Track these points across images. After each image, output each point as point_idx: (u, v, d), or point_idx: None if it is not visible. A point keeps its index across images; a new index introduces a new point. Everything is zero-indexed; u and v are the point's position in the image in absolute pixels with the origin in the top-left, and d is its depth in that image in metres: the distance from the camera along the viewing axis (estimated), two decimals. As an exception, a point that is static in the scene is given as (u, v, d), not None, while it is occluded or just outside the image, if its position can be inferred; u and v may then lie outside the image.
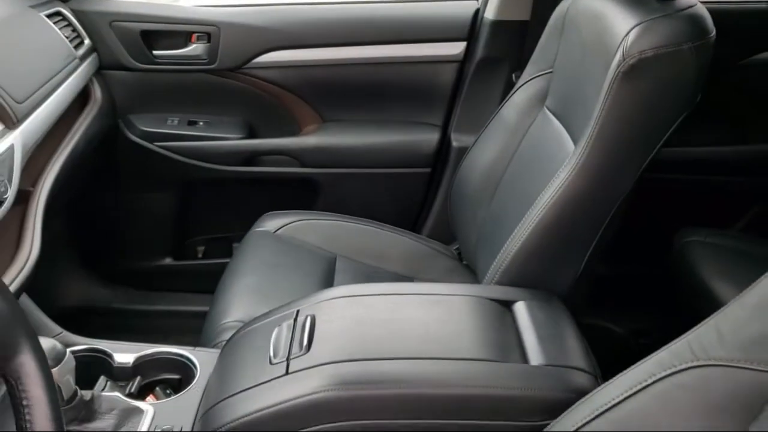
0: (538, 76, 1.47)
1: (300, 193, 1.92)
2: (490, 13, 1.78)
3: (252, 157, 1.88)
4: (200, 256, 2.05)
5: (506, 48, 1.78)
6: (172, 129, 1.86)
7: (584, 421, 0.82)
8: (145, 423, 1.01)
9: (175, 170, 1.86)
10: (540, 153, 1.40)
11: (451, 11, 1.86)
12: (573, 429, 0.83)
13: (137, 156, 1.84)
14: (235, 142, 1.87)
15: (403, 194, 1.92)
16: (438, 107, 1.88)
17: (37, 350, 0.71)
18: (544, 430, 0.86)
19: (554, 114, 1.39)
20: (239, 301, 1.35)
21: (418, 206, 1.93)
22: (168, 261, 2.01)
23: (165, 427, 1.00)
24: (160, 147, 1.84)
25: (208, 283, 1.59)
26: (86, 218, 1.92)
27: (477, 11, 1.82)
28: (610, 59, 1.09)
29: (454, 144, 1.85)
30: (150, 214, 1.94)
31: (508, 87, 1.69)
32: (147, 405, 1.04)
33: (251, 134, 1.91)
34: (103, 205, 1.93)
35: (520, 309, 1.08)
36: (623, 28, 1.09)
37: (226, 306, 1.36)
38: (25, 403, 0.69)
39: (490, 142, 1.55)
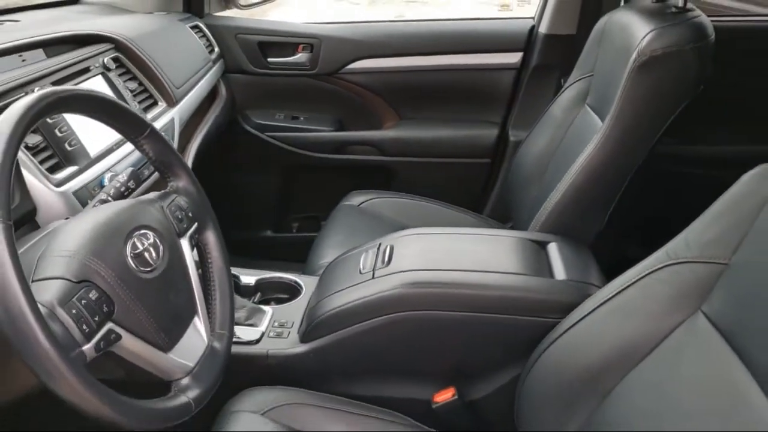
0: (581, 79, 1.73)
1: (379, 177, 2.22)
2: (543, 28, 2.06)
3: (341, 146, 2.22)
4: (294, 231, 2.40)
5: (556, 57, 2.05)
6: (279, 122, 2.22)
7: (589, 311, 1.09)
8: (266, 318, 1.33)
9: (280, 156, 2.22)
10: (580, 141, 1.66)
11: (510, 26, 2.16)
12: (580, 317, 1.10)
13: (250, 144, 2.21)
14: (328, 134, 2.22)
15: (466, 180, 2.20)
16: (497, 107, 2.15)
17: (217, 230, 1.05)
18: (561, 321, 1.14)
19: (593, 109, 1.64)
20: (332, 247, 1.67)
21: (479, 191, 2.20)
22: (269, 233, 2.36)
23: (281, 320, 1.33)
24: (269, 137, 2.21)
25: (300, 253, 1.86)
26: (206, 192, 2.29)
27: (532, 27, 2.11)
28: (629, 58, 1.36)
29: (512, 138, 2.11)
30: (257, 192, 2.30)
31: (558, 90, 1.93)
32: (267, 307, 1.37)
33: (341, 128, 2.24)
34: (220, 182, 2.23)
35: (552, 247, 1.36)
36: (641, 33, 1.36)
37: (322, 250, 1.69)
38: (209, 260, 1.03)
39: (541, 134, 1.82)
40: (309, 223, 2.36)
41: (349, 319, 1.22)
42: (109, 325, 0.76)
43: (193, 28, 1.99)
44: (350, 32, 2.17)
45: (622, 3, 1.90)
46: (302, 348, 1.25)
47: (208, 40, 2.06)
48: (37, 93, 0.78)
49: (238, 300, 1.36)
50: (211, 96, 2.05)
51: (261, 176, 2.27)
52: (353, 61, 2.14)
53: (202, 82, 1.85)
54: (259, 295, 1.46)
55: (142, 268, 0.84)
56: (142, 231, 0.87)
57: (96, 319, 0.74)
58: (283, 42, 2.16)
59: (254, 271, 1.50)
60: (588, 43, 1.73)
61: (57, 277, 0.75)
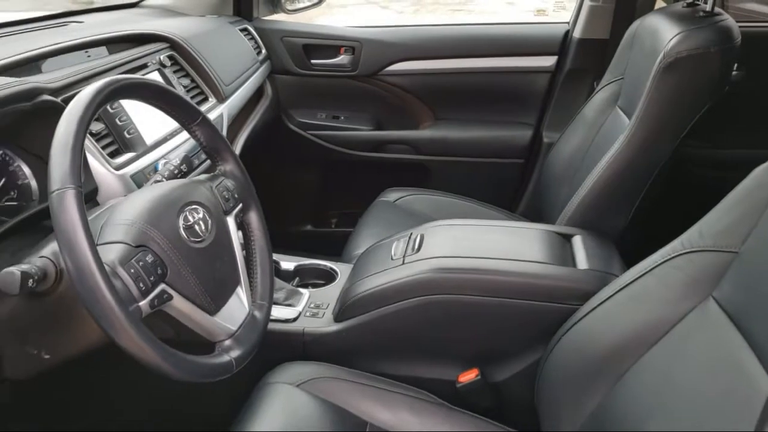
0: (613, 81, 1.77)
1: (415, 175, 2.29)
2: (577, 33, 2.11)
3: (379, 145, 2.30)
4: (333, 226, 2.49)
5: (590, 61, 2.10)
6: (321, 121, 2.32)
7: (607, 297, 1.14)
8: (303, 300, 1.42)
9: (321, 153, 2.31)
10: (610, 141, 1.70)
11: (546, 31, 2.22)
12: (599, 302, 1.15)
13: (293, 141, 2.31)
14: (366, 132, 2.30)
15: (500, 180, 2.25)
16: (531, 109, 2.21)
17: (260, 212, 1.14)
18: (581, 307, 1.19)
19: (623, 110, 1.68)
20: (367, 238, 1.75)
21: (512, 190, 2.26)
22: (308, 227, 2.46)
23: (317, 302, 1.42)
24: (311, 135, 2.30)
25: (338, 247, 1.91)
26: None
27: (567, 31, 2.16)
28: (657, 59, 1.41)
29: (545, 140, 2.16)
30: (298, 188, 2.39)
31: (591, 92, 1.96)
32: (305, 290, 1.46)
33: (379, 127, 2.32)
34: (263, 178, 2.37)
35: (577, 240, 1.41)
36: (668, 36, 1.41)
37: (357, 241, 1.77)
38: (252, 239, 1.12)
39: (573, 135, 1.86)
40: (347, 219, 2.44)
41: (379, 301, 1.29)
42: (162, 285, 0.85)
43: (242, 30, 2.10)
44: (390, 35, 2.25)
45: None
46: (336, 327, 1.33)
47: (256, 42, 2.16)
48: (104, 80, 0.88)
49: (278, 282, 1.45)
50: (258, 95, 2.15)
51: (302, 172, 2.37)
52: (392, 63, 2.23)
53: (249, 81, 1.95)
54: (297, 279, 1.54)
55: (192, 239, 0.93)
56: (194, 206, 0.96)
57: (151, 279, 0.83)
58: (326, 45, 2.26)
59: (294, 258, 1.59)
60: (620, 47, 1.77)
61: (118, 242, 0.84)
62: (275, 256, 1.58)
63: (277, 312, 1.35)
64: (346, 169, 2.38)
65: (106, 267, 0.78)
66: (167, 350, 0.81)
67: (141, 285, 0.82)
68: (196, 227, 0.94)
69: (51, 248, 0.87)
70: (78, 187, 0.76)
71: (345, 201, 2.44)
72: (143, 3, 2.11)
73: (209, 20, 2.01)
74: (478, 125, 2.26)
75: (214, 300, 0.93)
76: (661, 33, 1.46)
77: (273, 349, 1.28)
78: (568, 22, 2.19)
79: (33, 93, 1.02)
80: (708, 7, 1.44)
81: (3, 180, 1.07)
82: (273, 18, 2.35)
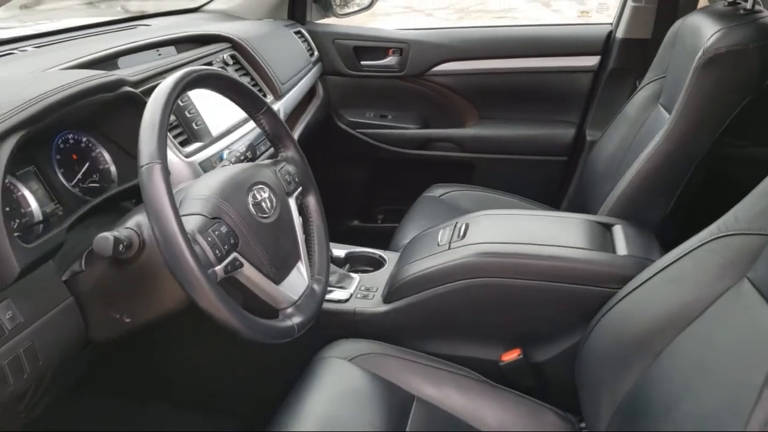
0: (655, 80, 1.80)
1: (460, 172, 2.35)
2: (620, 33, 2.15)
3: (425, 143, 2.38)
4: (379, 221, 2.57)
5: (632, 60, 2.14)
6: (369, 120, 2.41)
7: (645, 279, 1.19)
8: (354, 283, 1.50)
9: (369, 151, 2.40)
10: (651, 137, 1.73)
11: (589, 31, 2.26)
12: (637, 285, 1.20)
13: (342, 139, 2.40)
14: (413, 131, 2.38)
15: (543, 177, 2.30)
16: (575, 108, 2.25)
17: (317, 195, 1.22)
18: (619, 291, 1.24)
19: (664, 108, 1.72)
20: (413, 229, 1.82)
21: (555, 187, 2.30)
22: (356, 222, 2.54)
23: (367, 285, 1.49)
24: (360, 133, 2.39)
25: (384, 242, 1.95)
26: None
27: (610, 32, 2.20)
28: (696, 56, 1.45)
29: (588, 138, 2.20)
30: (347, 184, 2.48)
31: (633, 91, 1.98)
32: (355, 275, 1.54)
33: (425, 125, 2.40)
34: (314, 174, 2.47)
35: (617, 229, 1.45)
36: (708, 33, 1.44)
37: (404, 231, 1.84)
38: (310, 219, 1.21)
39: (615, 133, 1.90)
40: (393, 215, 2.51)
41: (426, 283, 1.36)
42: (235, 254, 0.94)
43: (296, 33, 2.20)
44: (436, 37, 2.33)
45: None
46: (384, 308, 1.40)
47: (309, 44, 2.26)
48: (185, 70, 0.98)
49: (331, 266, 1.53)
50: (310, 95, 2.25)
51: (351, 169, 2.46)
52: (439, 63, 2.30)
53: (303, 81, 2.05)
54: (347, 266, 1.63)
55: (260, 215, 1.02)
56: (260, 186, 1.05)
57: (225, 247, 0.92)
58: (375, 47, 2.35)
59: (344, 246, 1.67)
60: (662, 46, 1.81)
61: (196, 213, 0.93)
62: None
63: (330, 294, 1.43)
64: (392, 166, 2.46)
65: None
66: (239, 311, 0.90)
67: (217, 252, 0.91)
68: (263, 204, 1.03)
69: (135, 221, 0.97)
70: (164, 162, 0.86)
71: (391, 197, 2.51)
72: (204, 8, 2.23)
73: (266, 23, 2.12)
74: (522, 123, 2.32)
75: (278, 271, 1.02)
76: (702, 31, 1.50)
77: (326, 327, 1.37)
78: (611, 23, 2.23)
79: (116, 84, 1.13)
80: (748, 5, 1.48)
81: (87, 164, 1.18)
82: (325, 22, 2.45)
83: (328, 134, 2.39)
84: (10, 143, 0.90)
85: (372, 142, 2.38)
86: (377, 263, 1.61)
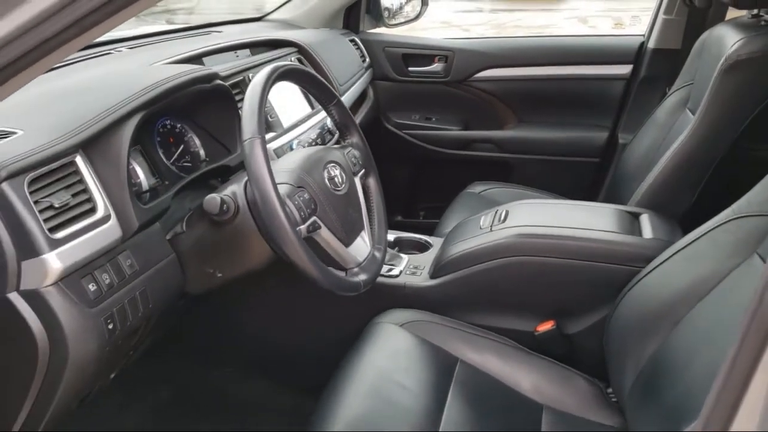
0: (683, 87, 1.93)
1: (498, 171, 2.49)
2: (651, 44, 2.29)
3: (466, 143, 2.53)
4: (421, 218, 2.73)
5: (663, 69, 2.26)
6: (415, 122, 2.58)
7: (666, 258, 1.32)
8: (403, 262, 1.66)
9: (414, 151, 2.57)
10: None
11: (622, 42, 2.40)
12: (660, 262, 1.34)
13: (390, 140, 2.57)
14: (455, 132, 2.54)
15: (577, 177, 2.43)
16: (607, 113, 2.39)
17: (377, 177, 1.39)
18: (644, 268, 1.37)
19: (691, 112, 1.83)
20: (455, 219, 1.96)
21: (588, 186, 2.43)
22: (399, 218, 2.70)
23: (415, 264, 1.65)
24: (406, 134, 2.56)
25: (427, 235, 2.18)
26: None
27: (642, 42, 2.34)
28: (719, 62, 1.58)
29: (621, 141, 2.32)
30: (392, 181, 2.61)
31: (663, 97, 2.10)
32: (404, 255, 1.70)
33: (467, 127, 2.56)
34: None
35: (644, 218, 1.59)
36: (731, 42, 1.57)
37: (447, 221, 2.00)
38: (371, 198, 1.37)
39: (645, 135, 2.03)
40: (434, 212, 2.66)
41: (469, 261, 1.52)
42: (314, 217, 1.12)
43: (350, 41, 2.39)
44: (480, 46, 2.49)
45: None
46: (431, 282, 1.56)
47: (361, 51, 2.44)
48: (276, 64, 1.16)
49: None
50: (361, 98, 2.43)
51: (397, 168, 2.62)
52: (481, 70, 2.47)
53: (356, 84, 2.23)
54: (397, 248, 1.79)
55: (333, 187, 1.19)
56: (333, 164, 1.22)
57: (308, 211, 1.10)
58: (422, 54, 2.52)
59: (393, 232, 1.83)
60: (690, 56, 1.93)
61: (284, 182, 1.11)
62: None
63: (383, 269, 1.59)
64: (435, 166, 2.62)
65: None
66: (319, 263, 1.07)
67: (301, 213, 1.08)
68: (336, 179, 1.20)
69: (231, 190, 1.15)
70: (262, 137, 1.04)
71: (433, 195, 2.67)
72: (266, 18, 2.43)
73: (324, 32, 2.31)
74: (557, 127, 2.46)
75: (347, 235, 1.19)
76: (726, 40, 1.63)
77: (379, 299, 1.53)
78: (643, 35, 2.37)
79: (211, 77, 1.31)
80: (770, 17, 1.61)
81: (181, 147, 1.37)
82: (376, 31, 2.63)
83: (376, 135, 2.56)
84: (135, 120, 1.08)
85: (417, 142, 2.55)
86: (423, 247, 1.77)
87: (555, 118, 2.48)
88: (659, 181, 1.65)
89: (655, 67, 2.29)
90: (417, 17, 2.66)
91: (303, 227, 1.08)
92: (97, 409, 1.51)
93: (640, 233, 1.51)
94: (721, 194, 1.80)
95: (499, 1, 12.61)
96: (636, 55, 2.34)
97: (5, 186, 0.89)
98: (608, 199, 2.30)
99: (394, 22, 2.65)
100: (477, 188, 2.23)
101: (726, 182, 1.75)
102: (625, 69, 2.35)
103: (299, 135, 1.63)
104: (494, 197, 2.17)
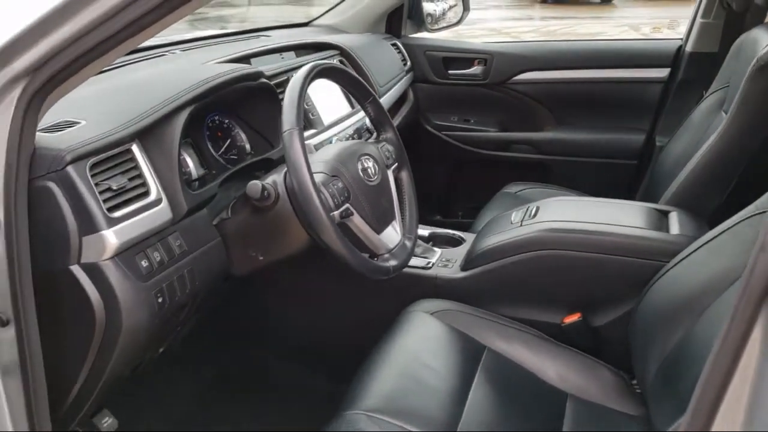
0: (720, 89, 1.94)
1: (536, 173, 2.53)
2: (689, 47, 2.30)
3: (504, 145, 2.58)
4: (460, 217, 2.77)
5: (700, 72, 2.27)
6: (454, 123, 2.64)
7: (691, 252, 1.35)
8: (436, 255, 1.72)
9: (452, 152, 2.63)
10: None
11: (660, 46, 2.42)
12: (684, 256, 1.36)
13: (429, 140, 2.64)
14: (493, 133, 2.59)
15: (613, 178, 2.45)
16: (645, 115, 2.40)
17: (410, 171, 1.45)
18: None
19: (727, 114, 1.87)
20: (490, 216, 2.02)
21: (625, 188, 2.44)
22: (438, 218, 2.76)
23: (447, 257, 1.71)
24: (445, 135, 2.63)
25: None
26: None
27: (680, 46, 2.35)
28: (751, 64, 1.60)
29: (658, 144, 2.33)
30: (431, 181, 2.69)
31: (700, 100, 2.13)
32: (437, 249, 1.76)
33: (505, 129, 2.60)
34: None
35: (672, 215, 1.61)
36: (764, 43, 1.60)
37: (481, 218, 2.05)
38: (403, 190, 1.44)
39: (682, 137, 2.04)
40: (472, 212, 2.70)
41: (499, 253, 1.57)
42: (347, 205, 1.19)
43: (392, 45, 2.47)
44: (518, 49, 2.54)
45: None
46: (462, 274, 1.61)
47: (403, 55, 2.52)
48: (313, 63, 1.24)
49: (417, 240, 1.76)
50: (401, 99, 2.50)
51: (436, 168, 2.69)
52: (519, 73, 2.51)
53: (396, 86, 2.31)
54: (431, 243, 1.85)
55: (366, 178, 1.26)
56: (367, 156, 1.30)
57: (341, 198, 1.17)
58: (462, 57, 2.58)
59: (428, 227, 1.89)
60: (727, 59, 1.94)
61: (320, 171, 1.19)
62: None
63: (416, 261, 1.66)
64: (473, 166, 2.67)
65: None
66: (351, 246, 1.14)
67: (335, 200, 1.16)
68: (369, 170, 1.28)
69: (272, 179, 1.23)
70: (300, 128, 1.12)
71: (471, 195, 2.72)
72: (313, 23, 2.53)
73: (367, 36, 2.40)
74: (595, 129, 2.49)
75: (378, 223, 1.26)
76: (759, 42, 1.64)
77: (412, 289, 1.59)
78: (681, 38, 2.38)
79: (257, 75, 1.41)
80: (805, 20, 1.62)
81: (228, 141, 1.46)
82: (418, 36, 2.70)
83: (416, 136, 2.63)
84: (185, 113, 1.18)
85: (455, 143, 2.61)
86: (456, 242, 1.82)
87: (592, 120, 2.50)
88: (689, 180, 1.67)
89: (692, 70, 2.30)
90: (459, 22, 2.72)
91: (336, 213, 1.16)
92: (145, 386, 1.62)
93: (667, 229, 1.54)
94: (750, 193, 1.81)
95: (550, 9, 12.53)
96: (674, 58, 2.35)
97: (70, 169, 0.99)
98: (644, 201, 2.31)
99: (436, 27, 2.72)
100: (513, 188, 2.27)
101: (756, 181, 1.76)
102: (662, 72, 2.36)
103: (338, 132, 1.71)
104: (530, 197, 2.20)
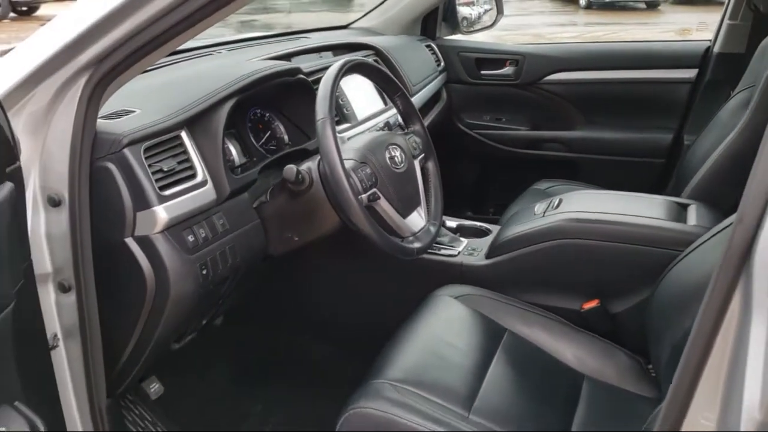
0: (746, 89, 1.96)
1: (565, 170, 2.55)
2: (717, 48, 2.33)
3: (535, 143, 2.64)
4: (490, 214, 2.83)
5: (728, 72, 2.29)
6: (485, 122, 2.71)
7: (703, 241, 1.39)
8: (462, 244, 1.79)
9: (484, 150, 2.70)
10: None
11: (688, 47, 2.45)
12: (698, 244, 1.41)
13: (461, 139, 2.72)
14: (524, 132, 2.65)
15: (641, 177, 2.48)
16: (673, 115, 2.43)
17: (436, 162, 1.54)
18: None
19: (751, 112, 1.89)
20: (516, 209, 2.08)
21: (653, 186, 2.45)
22: (469, 214, 2.83)
23: (473, 247, 1.78)
24: (477, 134, 2.70)
25: None
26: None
27: (708, 47, 2.38)
28: (774, 61, 1.63)
29: (686, 143, 2.36)
30: (462, 179, 2.78)
31: (727, 100, 2.18)
32: (464, 238, 1.84)
33: (535, 128, 2.66)
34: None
35: (691, 208, 1.65)
36: (787, 44, 1.64)
37: (509, 212, 2.11)
38: (429, 179, 1.52)
39: (708, 136, 2.06)
40: (503, 209, 2.77)
41: (522, 242, 1.63)
42: (375, 189, 1.28)
43: (426, 46, 2.56)
44: (549, 51, 2.60)
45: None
46: (486, 262, 1.68)
47: (437, 56, 2.60)
48: (346, 58, 1.33)
49: (444, 231, 1.84)
50: (435, 99, 2.58)
51: (468, 166, 2.77)
52: (550, 73, 2.57)
53: (430, 85, 2.39)
54: (458, 234, 1.92)
55: (393, 165, 1.35)
56: (394, 145, 1.39)
57: (369, 183, 1.26)
58: (494, 58, 2.65)
59: (456, 219, 1.97)
60: (753, 59, 1.97)
61: (350, 158, 1.28)
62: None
63: (442, 250, 1.74)
64: (504, 164, 2.73)
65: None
66: (377, 227, 1.23)
67: (363, 185, 1.25)
68: (396, 159, 1.36)
69: (307, 165, 1.33)
70: (332, 117, 1.21)
71: (502, 192, 2.77)
72: (351, 26, 2.64)
73: (402, 38, 2.49)
74: (624, 128, 2.53)
75: (404, 208, 1.35)
76: None
77: (439, 275, 1.67)
78: (710, 40, 2.40)
79: (295, 71, 1.51)
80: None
81: (268, 132, 1.57)
82: (452, 38, 2.78)
83: (449, 134, 2.70)
84: (229, 104, 1.29)
85: (487, 141, 2.68)
86: (482, 233, 1.90)
87: (621, 119, 2.54)
88: (709, 175, 1.71)
89: (720, 70, 2.33)
90: (492, 25, 2.79)
91: (364, 196, 1.25)
92: (189, 361, 1.73)
93: (685, 221, 1.58)
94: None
95: (594, 15, 12.41)
96: (702, 59, 2.38)
97: (126, 151, 1.11)
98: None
99: (471, 30, 2.79)
100: (543, 185, 2.33)
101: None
102: (690, 73, 2.39)
103: (370, 127, 1.80)
104: (558, 193, 2.25)
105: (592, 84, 2.53)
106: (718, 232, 1.36)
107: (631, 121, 2.52)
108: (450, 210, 2.78)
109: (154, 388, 1.50)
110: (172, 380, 1.60)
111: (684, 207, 1.68)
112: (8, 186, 0.85)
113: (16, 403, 0.87)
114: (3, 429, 0.80)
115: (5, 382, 0.90)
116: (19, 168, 0.94)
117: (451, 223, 1.94)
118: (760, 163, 0.73)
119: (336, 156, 1.18)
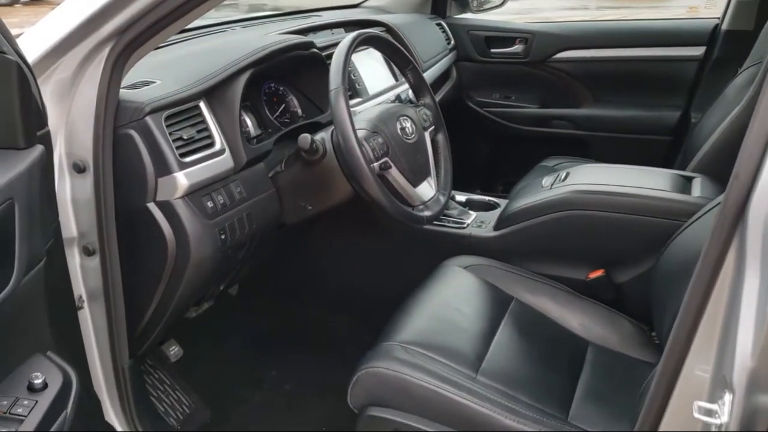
0: (752, 66, 1.98)
1: (573, 148, 2.57)
2: (725, 26, 2.33)
3: (543, 120, 2.66)
4: (500, 191, 2.86)
5: (735, 49, 2.28)
6: (495, 100, 2.73)
7: (705, 212, 1.42)
8: (471, 217, 1.83)
9: (493, 127, 2.72)
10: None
11: (696, 24, 2.45)
12: (701, 214, 1.44)
13: (471, 117, 2.74)
14: (533, 110, 2.67)
15: (648, 154, 2.44)
16: (680, 92, 2.44)
17: (446, 134, 1.57)
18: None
19: (757, 87, 1.91)
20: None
21: (660, 163, 2.44)
22: (478, 191, 2.86)
23: (482, 219, 1.82)
24: (486, 112, 2.72)
25: None
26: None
27: (716, 25, 2.38)
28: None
29: (693, 120, 2.37)
30: (472, 157, 2.79)
31: (734, 76, 2.20)
32: (473, 212, 1.87)
33: (544, 105, 2.68)
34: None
35: (696, 181, 1.68)
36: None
37: (518, 188, 2.14)
38: (438, 151, 1.55)
39: (715, 112, 2.07)
40: (512, 186, 2.79)
41: (529, 214, 1.66)
42: (386, 158, 1.31)
43: (437, 25, 2.57)
44: (558, 29, 2.61)
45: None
46: (494, 233, 1.72)
47: (447, 34, 2.62)
48: (358, 31, 1.36)
49: (453, 204, 1.88)
50: (444, 77, 2.60)
51: (477, 144, 2.79)
52: (559, 51, 2.58)
53: (440, 63, 2.41)
54: (467, 207, 1.96)
55: (404, 136, 1.38)
56: (405, 117, 1.42)
57: (381, 152, 1.30)
58: (504, 37, 2.66)
59: (466, 193, 2.01)
60: (761, 36, 1.98)
61: (362, 128, 1.32)
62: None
63: (452, 222, 1.77)
64: (513, 142, 2.76)
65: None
66: (389, 195, 1.27)
67: (375, 154, 1.29)
68: (407, 129, 1.40)
69: (320, 135, 1.37)
70: (345, 87, 1.24)
71: (511, 169, 2.79)
72: (362, 4, 2.66)
73: (413, 15, 2.51)
74: (631, 106, 2.54)
75: (415, 178, 1.38)
76: None
77: (448, 246, 1.71)
78: (718, 17, 2.41)
79: (309, 45, 1.54)
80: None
81: (283, 106, 1.60)
82: (462, 16, 2.80)
83: (458, 112, 2.72)
84: (245, 75, 1.32)
85: (496, 119, 2.70)
86: (491, 207, 1.93)
87: (629, 97, 2.55)
88: (714, 149, 1.73)
89: (728, 48, 2.33)
90: (502, 4, 2.80)
91: (376, 164, 1.28)
92: (207, 328, 1.79)
93: (689, 193, 1.61)
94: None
95: (606, -1, 12.30)
96: (710, 36, 2.38)
97: (148, 119, 1.15)
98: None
99: (479, 8, 2.80)
100: (551, 162, 2.34)
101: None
102: (698, 50, 2.40)
103: (381, 102, 1.83)
104: (566, 170, 2.28)
105: (600, 62, 2.54)
106: (719, 204, 1.39)
107: (639, 98, 2.53)
108: (459, 186, 2.82)
109: (174, 350, 1.55)
110: (189, 348, 1.65)
111: (689, 180, 1.70)
112: (39, 148, 0.89)
113: (49, 352, 0.92)
114: (39, 374, 0.84)
115: (39, 334, 0.94)
116: (48, 133, 0.98)
117: (461, 197, 1.98)
118: (756, 120, 0.76)
119: (349, 125, 1.21)
